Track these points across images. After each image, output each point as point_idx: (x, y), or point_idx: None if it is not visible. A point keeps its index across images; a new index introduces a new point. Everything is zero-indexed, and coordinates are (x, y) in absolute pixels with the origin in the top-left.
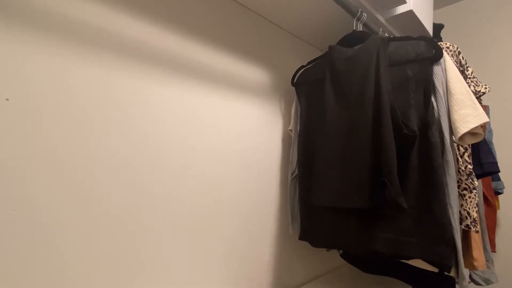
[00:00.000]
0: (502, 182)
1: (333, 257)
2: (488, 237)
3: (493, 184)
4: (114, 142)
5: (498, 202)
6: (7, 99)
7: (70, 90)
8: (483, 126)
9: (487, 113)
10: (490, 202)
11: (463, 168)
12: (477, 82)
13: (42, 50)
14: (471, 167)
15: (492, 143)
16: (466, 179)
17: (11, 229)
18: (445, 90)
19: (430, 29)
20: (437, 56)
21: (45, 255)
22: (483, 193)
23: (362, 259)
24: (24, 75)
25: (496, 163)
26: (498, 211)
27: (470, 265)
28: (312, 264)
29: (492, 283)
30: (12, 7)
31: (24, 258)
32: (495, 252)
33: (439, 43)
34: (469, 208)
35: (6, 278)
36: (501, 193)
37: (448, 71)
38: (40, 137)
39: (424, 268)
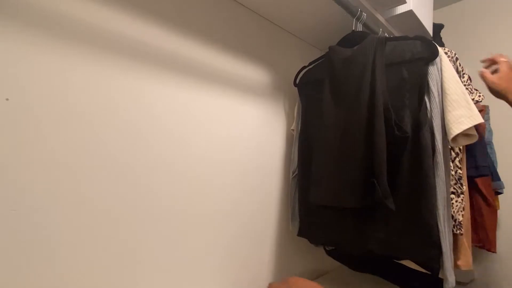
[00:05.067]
0: (502, 182)
1: None
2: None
3: (493, 184)
4: (114, 143)
5: (498, 202)
6: (7, 99)
7: (70, 90)
8: (482, 126)
9: (487, 113)
10: (490, 202)
11: (453, 173)
12: (471, 90)
13: (42, 50)
14: (461, 172)
15: (492, 143)
16: (455, 184)
17: (10, 229)
18: (439, 90)
19: (430, 29)
20: (432, 56)
21: (45, 255)
22: (483, 193)
23: (350, 257)
24: (24, 75)
25: (488, 166)
26: (498, 211)
27: (454, 264)
28: (313, 264)
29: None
30: (12, 7)
31: (24, 258)
32: (495, 252)
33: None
34: (453, 212)
35: (5, 278)
36: (501, 193)
37: (444, 71)
38: (40, 137)
39: (415, 268)
